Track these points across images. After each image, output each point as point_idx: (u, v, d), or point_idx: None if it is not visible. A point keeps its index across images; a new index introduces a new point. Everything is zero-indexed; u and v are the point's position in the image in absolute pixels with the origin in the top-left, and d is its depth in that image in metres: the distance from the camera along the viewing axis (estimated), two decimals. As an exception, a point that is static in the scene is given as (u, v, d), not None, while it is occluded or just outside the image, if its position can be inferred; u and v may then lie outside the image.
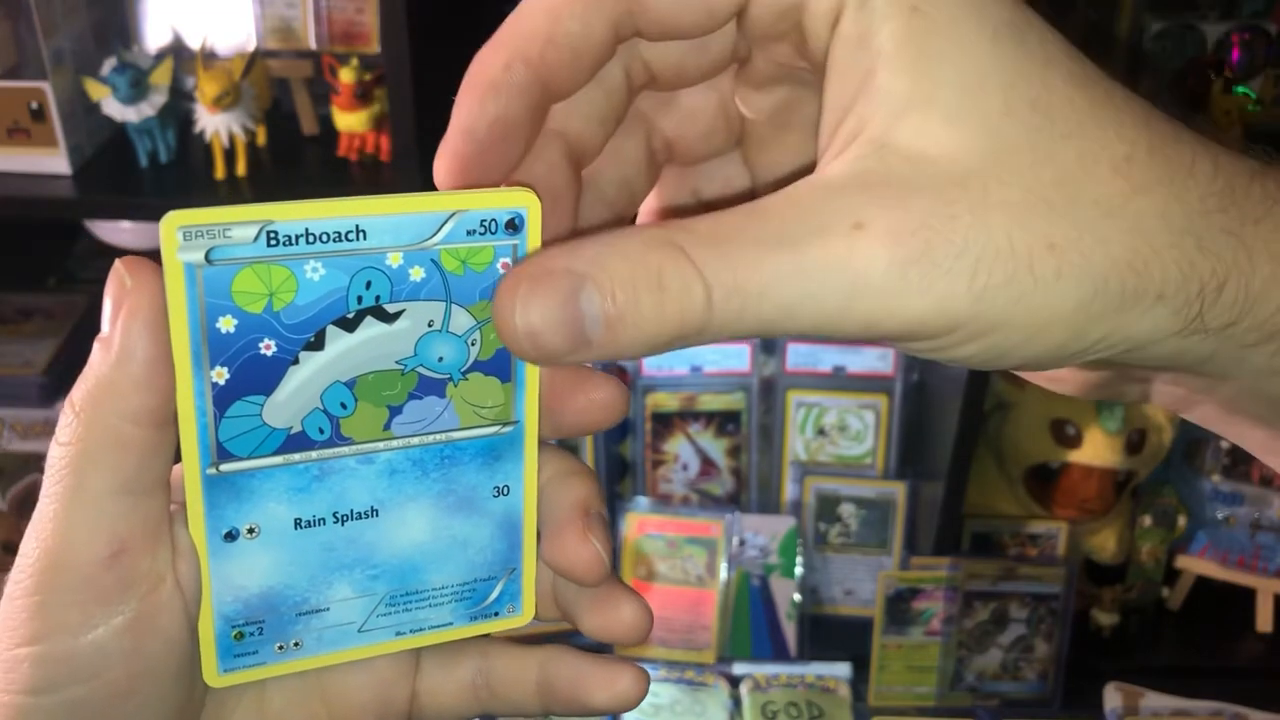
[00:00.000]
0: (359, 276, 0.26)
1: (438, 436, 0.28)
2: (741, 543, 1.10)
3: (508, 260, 0.27)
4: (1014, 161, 0.23)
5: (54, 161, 0.92)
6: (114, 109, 0.92)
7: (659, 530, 1.09)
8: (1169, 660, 1.12)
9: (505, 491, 0.29)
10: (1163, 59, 1.02)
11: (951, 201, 0.23)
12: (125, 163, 0.96)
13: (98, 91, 0.92)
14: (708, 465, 1.15)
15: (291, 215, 0.25)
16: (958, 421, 0.98)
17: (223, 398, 0.26)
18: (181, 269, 0.24)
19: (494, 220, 0.26)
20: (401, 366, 0.27)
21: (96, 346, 0.25)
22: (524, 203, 0.26)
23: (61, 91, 0.91)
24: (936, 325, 0.24)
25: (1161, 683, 1.06)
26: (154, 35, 1.03)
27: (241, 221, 0.24)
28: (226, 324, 0.25)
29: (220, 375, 0.26)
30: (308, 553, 0.28)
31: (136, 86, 0.91)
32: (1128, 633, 1.14)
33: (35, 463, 1.11)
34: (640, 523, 1.09)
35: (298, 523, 0.28)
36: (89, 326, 1.13)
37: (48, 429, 1.09)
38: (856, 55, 0.24)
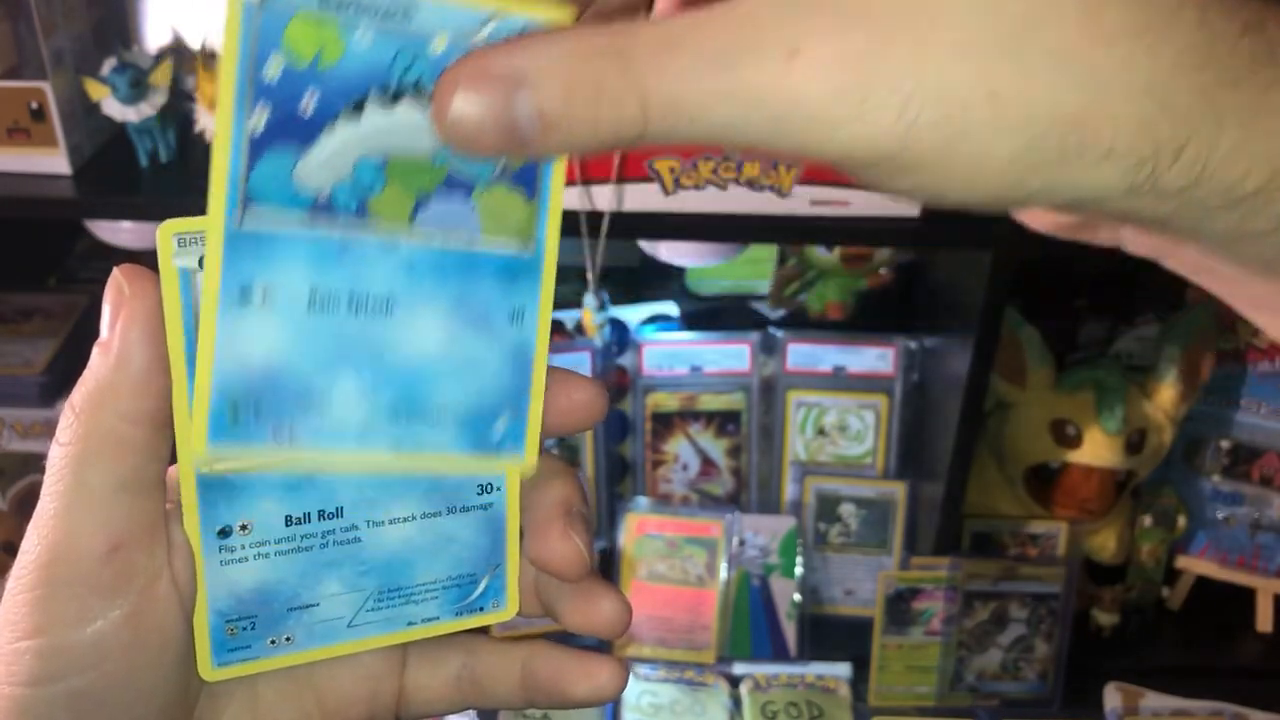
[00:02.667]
0: (403, 53, 0.26)
1: (461, 237, 0.28)
2: (741, 543, 1.10)
3: None
4: None
5: (54, 161, 0.92)
6: (114, 109, 0.92)
7: (659, 530, 1.09)
8: (1169, 660, 1.12)
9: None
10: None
11: (891, 37, 0.22)
12: (125, 163, 0.95)
13: (98, 91, 0.92)
14: (708, 465, 1.15)
15: None
16: (958, 421, 0.98)
17: (260, 142, 0.25)
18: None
19: (531, 29, 0.26)
20: (433, 158, 0.27)
21: (96, 351, 0.26)
22: (559, 15, 0.26)
23: (61, 91, 0.91)
24: (863, 155, 0.23)
25: (1161, 683, 1.06)
26: (154, 35, 1.03)
27: None
28: (274, 70, 0.25)
29: (261, 117, 0.25)
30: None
31: (136, 86, 0.91)
32: (1128, 633, 1.14)
33: (35, 463, 1.11)
34: (640, 523, 1.09)
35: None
36: (89, 326, 1.13)
37: (48, 429, 1.09)
38: None
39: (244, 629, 0.29)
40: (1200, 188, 0.23)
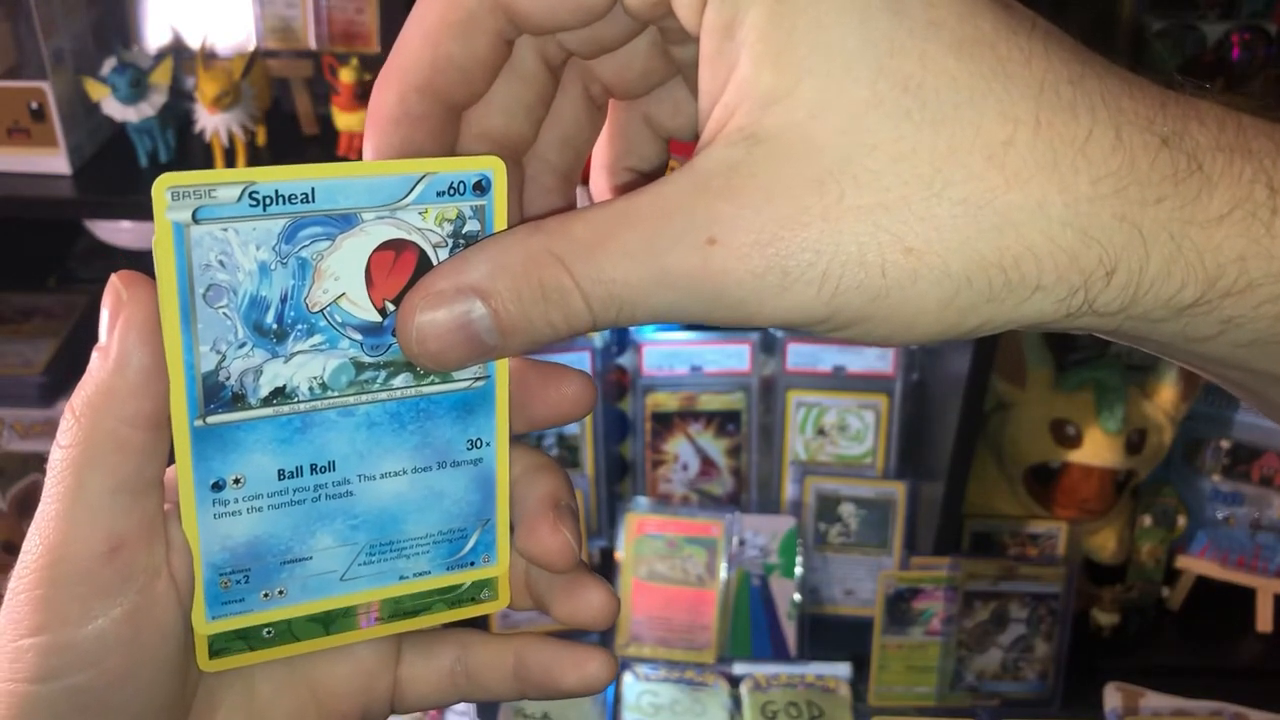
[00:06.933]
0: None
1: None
2: (741, 543, 1.10)
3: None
4: (874, 160, 0.23)
5: (54, 161, 0.92)
6: (114, 109, 0.92)
7: (659, 530, 1.09)
8: (1169, 660, 1.12)
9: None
10: (1163, 59, 1.02)
11: (805, 208, 0.23)
12: (125, 163, 0.96)
13: (98, 91, 0.92)
14: (708, 465, 1.15)
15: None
16: (958, 421, 0.98)
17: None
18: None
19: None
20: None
21: (95, 355, 0.26)
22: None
23: (61, 91, 0.91)
24: (798, 321, 0.24)
25: (1161, 683, 1.06)
26: (154, 35, 1.03)
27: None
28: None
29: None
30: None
31: (136, 86, 0.91)
32: (1128, 633, 1.14)
33: (35, 463, 1.11)
34: (640, 523, 1.09)
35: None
36: (89, 326, 1.13)
37: (48, 429, 1.09)
38: (723, 45, 0.24)
39: (237, 582, 0.29)
40: (1138, 304, 0.24)
